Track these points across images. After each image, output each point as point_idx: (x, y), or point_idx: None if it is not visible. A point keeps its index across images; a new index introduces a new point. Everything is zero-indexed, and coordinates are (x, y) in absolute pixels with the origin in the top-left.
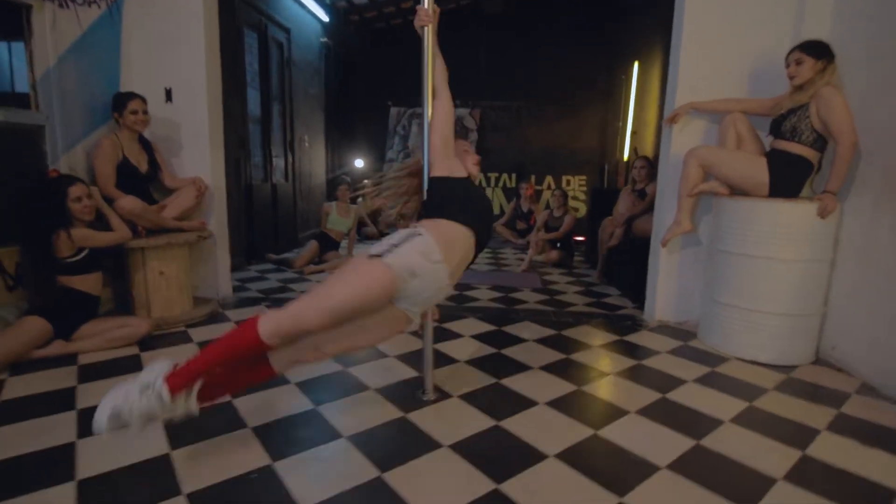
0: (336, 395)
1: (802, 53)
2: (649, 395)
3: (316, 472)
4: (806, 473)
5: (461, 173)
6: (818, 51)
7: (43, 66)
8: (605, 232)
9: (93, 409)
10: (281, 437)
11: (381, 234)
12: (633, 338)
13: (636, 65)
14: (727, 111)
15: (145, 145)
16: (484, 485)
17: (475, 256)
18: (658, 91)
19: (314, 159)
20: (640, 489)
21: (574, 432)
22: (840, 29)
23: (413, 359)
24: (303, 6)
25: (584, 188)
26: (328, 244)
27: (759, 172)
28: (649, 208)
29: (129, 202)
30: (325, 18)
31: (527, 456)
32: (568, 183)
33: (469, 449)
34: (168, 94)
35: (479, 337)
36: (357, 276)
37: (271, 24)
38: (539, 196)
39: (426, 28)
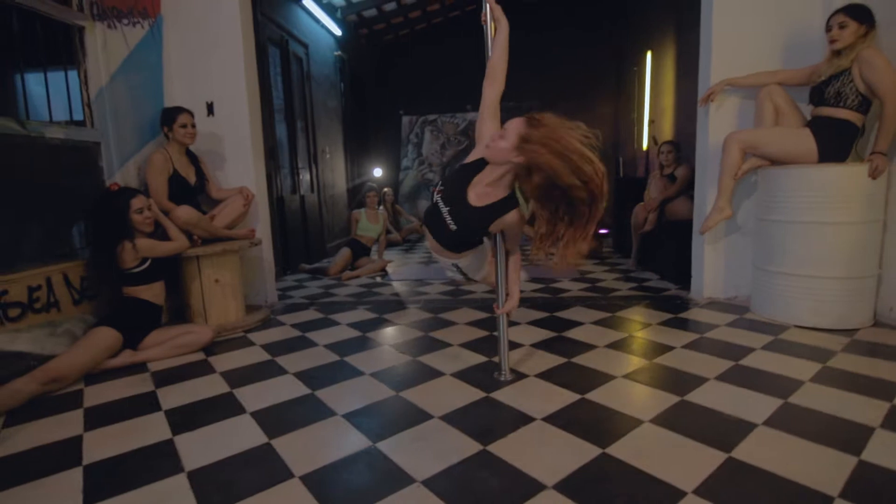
0: (413, 382)
1: (847, 17)
2: (722, 364)
3: (419, 448)
4: None
5: (472, 158)
6: (862, 15)
7: (96, 86)
8: (638, 218)
9: (178, 410)
10: (372, 421)
11: (404, 241)
12: (686, 315)
13: (649, 54)
14: (763, 84)
15: (192, 158)
16: (590, 450)
17: (451, 248)
18: (674, 77)
19: (335, 170)
20: (744, 445)
21: (660, 400)
22: None
23: (477, 346)
24: (317, 21)
25: None
26: (360, 250)
27: (805, 142)
28: (682, 191)
29: (185, 212)
30: (338, 32)
31: (622, 423)
32: None
33: (563, 420)
34: (210, 108)
35: (536, 323)
36: None
37: (292, 40)
38: None
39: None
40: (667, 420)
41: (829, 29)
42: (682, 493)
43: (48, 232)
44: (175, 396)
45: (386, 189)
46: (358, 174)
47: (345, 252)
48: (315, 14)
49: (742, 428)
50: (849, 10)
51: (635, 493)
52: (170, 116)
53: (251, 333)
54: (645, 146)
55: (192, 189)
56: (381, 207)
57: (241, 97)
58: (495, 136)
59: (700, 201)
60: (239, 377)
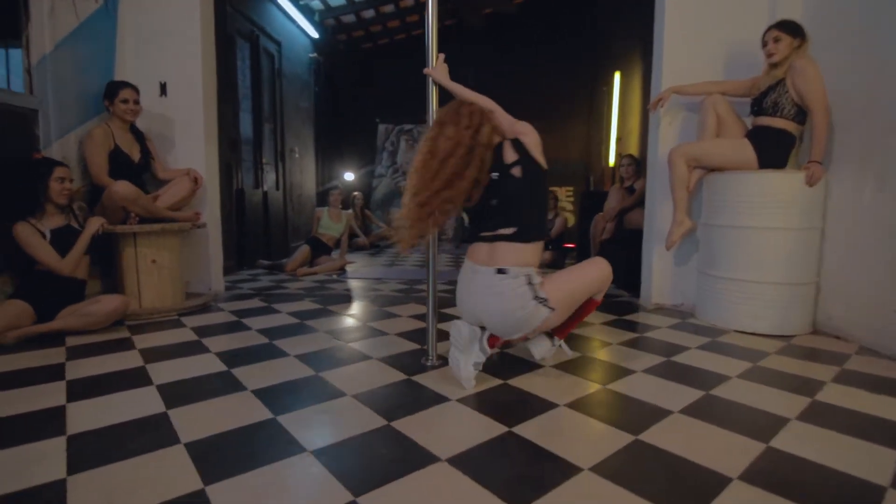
0: (337, 364)
1: (780, 31)
2: (653, 359)
3: (322, 423)
4: (817, 414)
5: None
6: (794, 29)
7: (39, 53)
8: (598, 227)
9: (84, 380)
10: (282, 397)
11: (372, 245)
12: (631, 317)
13: (617, 75)
14: (707, 93)
15: (137, 135)
16: (496, 428)
17: None
18: (640, 97)
19: (304, 171)
20: (654, 429)
21: (581, 387)
22: (811, 11)
23: (414, 336)
24: (293, 21)
25: (571, 198)
26: (320, 248)
27: (745, 151)
28: (639, 202)
29: (122, 187)
30: (315, 35)
31: (536, 406)
32: (555, 193)
33: (478, 402)
34: (163, 88)
35: None
36: None
37: (263, 36)
38: None
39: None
40: (581, 405)
41: (764, 44)
42: (579, 469)
43: None
44: (83, 368)
45: (356, 193)
46: (329, 177)
47: (304, 249)
48: (290, 13)
49: (656, 414)
50: (781, 26)
51: (531, 464)
52: (112, 91)
53: (186, 317)
54: (612, 163)
55: (135, 167)
56: (351, 210)
57: (196, 78)
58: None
59: (650, 209)
60: (156, 354)
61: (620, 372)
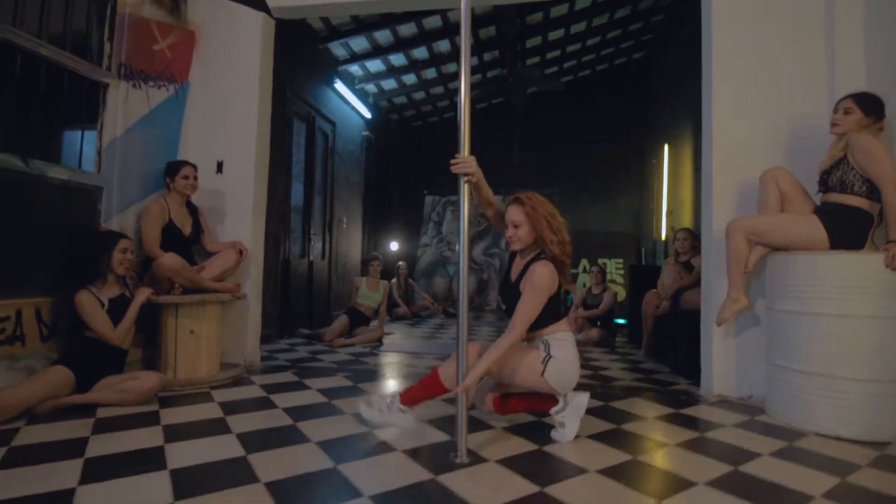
0: (359, 456)
1: (854, 103)
2: (718, 467)
3: None
4: None
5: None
6: (870, 105)
7: (111, 136)
8: (650, 305)
9: (101, 459)
10: (294, 493)
11: (413, 315)
12: (690, 411)
13: (666, 147)
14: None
15: (191, 210)
16: None
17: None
18: (691, 170)
19: (350, 240)
20: None
21: (633, 502)
22: (876, 82)
23: (444, 424)
24: (348, 103)
25: (622, 271)
26: (358, 319)
27: (813, 230)
28: (698, 281)
29: (169, 259)
30: (368, 115)
31: None
32: (604, 265)
33: None
34: (219, 167)
35: None
36: None
37: (319, 117)
38: (575, 279)
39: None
40: None
41: (835, 111)
42: None
43: (37, 265)
44: (105, 445)
45: (400, 263)
46: (375, 246)
47: (342, 319)
48: (346, 97)
49: None
50: (858, 98)
51: None
52: (173, 168)
53: (217, 390)
54: (664, 236)
55: (185, 240)
56: (395, 279)
57: (249, 160)
58: (511, 235)
59: (707, 290)
60: (178, 432)
61: (679, 483)
